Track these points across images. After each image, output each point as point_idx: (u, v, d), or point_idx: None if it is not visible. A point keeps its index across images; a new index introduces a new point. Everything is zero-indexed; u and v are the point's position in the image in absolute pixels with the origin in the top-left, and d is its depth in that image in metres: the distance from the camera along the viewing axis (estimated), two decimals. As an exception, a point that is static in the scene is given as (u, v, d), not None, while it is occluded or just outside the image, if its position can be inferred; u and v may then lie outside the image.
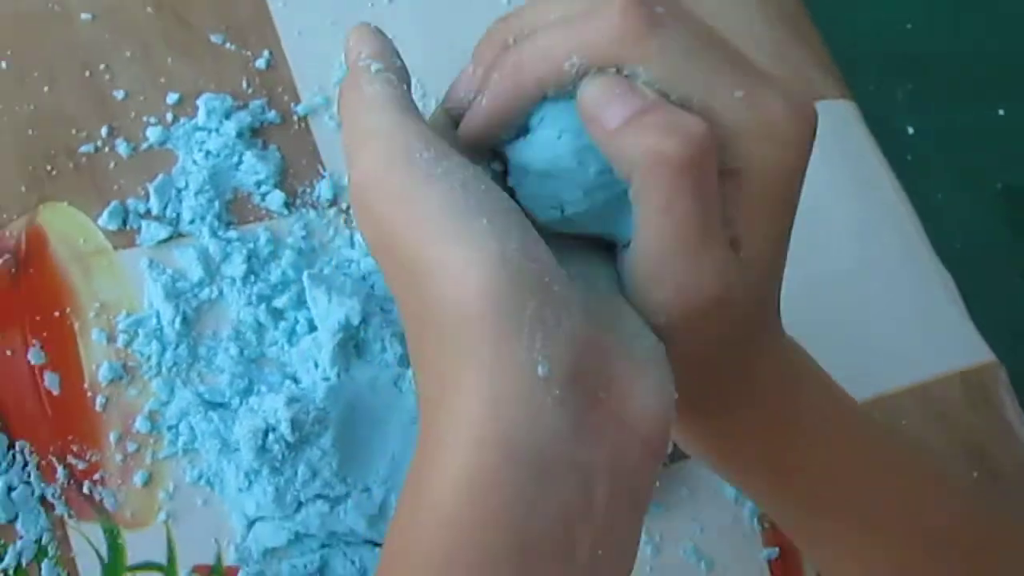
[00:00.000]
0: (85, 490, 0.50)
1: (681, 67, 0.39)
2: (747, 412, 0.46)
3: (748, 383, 0.45)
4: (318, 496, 0.50)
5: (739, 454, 0.47)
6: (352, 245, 0.56)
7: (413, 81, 0.60)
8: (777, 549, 0.55)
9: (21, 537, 0.49)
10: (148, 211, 0.55)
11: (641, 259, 0.40)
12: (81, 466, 0.50)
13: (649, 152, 0.38)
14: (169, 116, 0.57)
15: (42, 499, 0.50)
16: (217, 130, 0.57)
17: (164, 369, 0.52)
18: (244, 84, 0.59)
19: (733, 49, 0.40)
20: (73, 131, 0.56)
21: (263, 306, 0.54)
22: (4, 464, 0.49)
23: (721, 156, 0.39)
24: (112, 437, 0.51)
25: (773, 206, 0.41)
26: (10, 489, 0.49)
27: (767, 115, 0.40)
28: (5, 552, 0.48)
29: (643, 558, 0.54)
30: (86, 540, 0.50)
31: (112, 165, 0.56)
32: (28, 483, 0.50)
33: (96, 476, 0.50)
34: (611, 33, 0.39)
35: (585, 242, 0.42)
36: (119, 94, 0.57)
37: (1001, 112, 0.67)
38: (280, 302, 0.54)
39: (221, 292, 0.54)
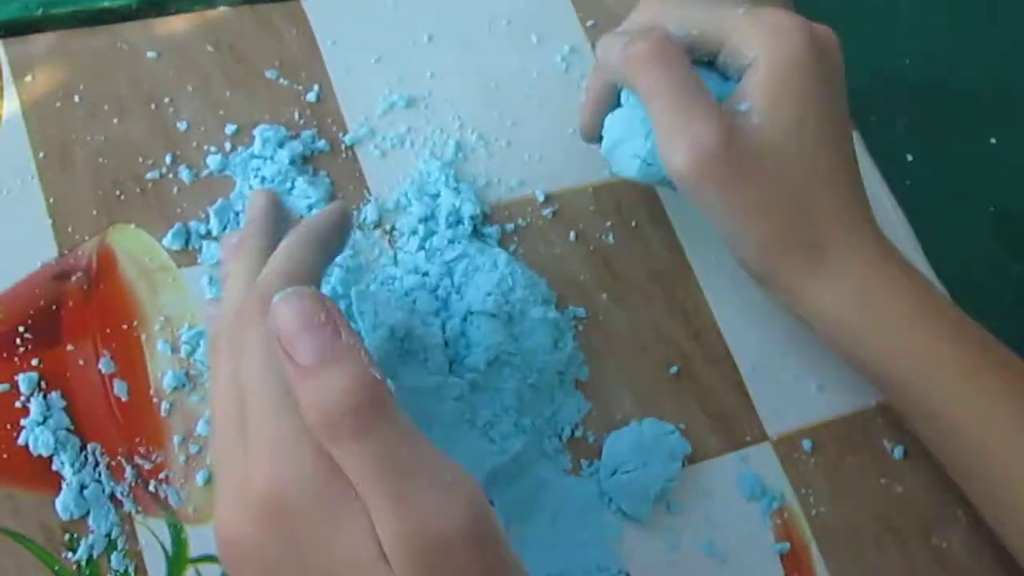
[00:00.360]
0: (151, 488, 0.50)
1: (697, 15, 0.53)
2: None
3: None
4: (366, 494, 0.50)
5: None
6: (395, 264, 0.57)
7: (452, 114, 0.61)
8: (788, 544, 0.55)
9: (92, 531, 0.49)
10: (208, 232, 0.56)
11: (658, 139, 0.52)
12: (147, 466, 0.51)
13: (623, 57, 0.52)
14: (227, 145, 0.58)
15: (112, 496, 0.50)
16: (272, 158, 0.57)
17: (223, 377, 0.53)
18: (296, 116, 0.59)
19: None
20: (140, 159, 0.57)
21: (314, 319, 0.54)
22: (77, 464, 0.50)
23: (742, 54, 0.52)
24: (176, 440, 0.51)
25: (776, 80, 0.51)
26: (83, 487, 0.50)
27: (763, 18, 0.52)
28: (78, 545, 0.49)
29: (661, 554, 0.54)
30: (152, 534, 0.50)
31: (176, 190, 0.56)
32: (99, 482, 0.50)
33: (161, 475, 0.51)
34: (639, 18, 0.54)
35: None
36: (182, 125, 0.58)
37: (993, 141, 0.68)
38: (330, 316, 0.54)
39: (275, 306, 0.54)
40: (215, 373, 0.42)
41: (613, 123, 0.55)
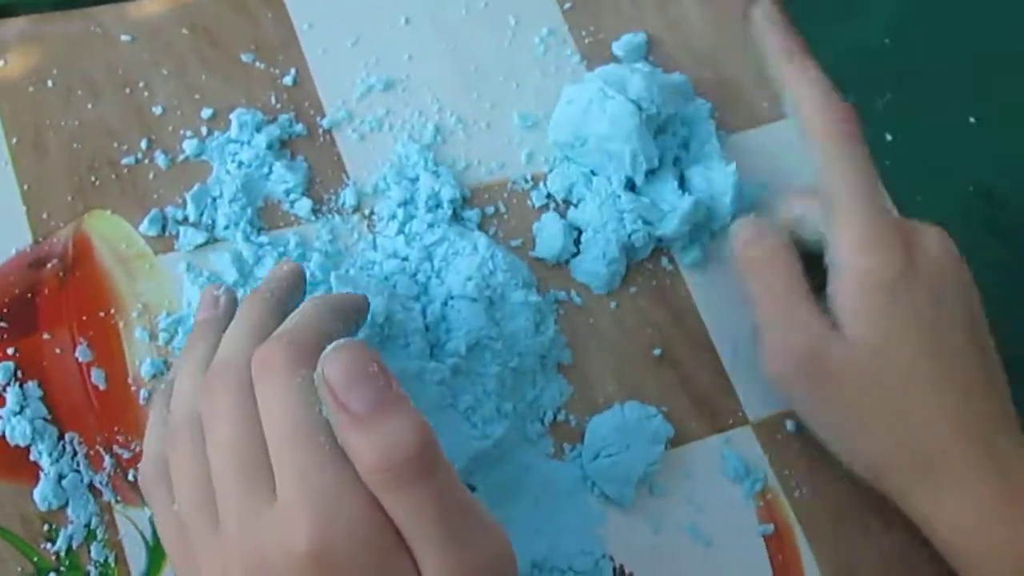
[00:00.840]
0: (130, 477, 0.50)
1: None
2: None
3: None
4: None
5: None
6: (375, 248, 0.56)
7: (431, 97, 0.60)
8: (771, 526, 0.55)
9: (72, 522, 0.49)
10: (185, 218, 0.55)
11: (757, 339, 0.54)
12: (126, 455, 0.50)
13: (739, 259, 0.55)
14: (204, 130, 0.57)
15: (91, 486, 0.49)
16: (249, 142, 0.57)
17: (202, 364, 0.52)
18: (273, 100, 0.59)
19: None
20: (115, 144, 0.56)
21: (293, 305, 0.53)
22: (55, 454, 0.49)
23: (834, 255, 0.52)
24: (155, 428, 0.51)
25: (857, 294, 0.51)
26: (61, 477, 0.49)
27: (863, 230, 0.51)
28: (57, 535, 0.48)
29: (645, 537, 0.54)
30: (132, 524, 0.49)
31: (152, 176, 0.56)
32: (77, 471, 0.49)
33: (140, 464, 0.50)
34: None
35: None
36: (157, 109, 0.57)
37: (972, 120, 0.68)
38: (309, 302, 0.53)
39: (254, 292, 0.54)
40: (214, 420, 0.41)
41: None
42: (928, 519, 0.52)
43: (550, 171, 0.60)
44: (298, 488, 0.37)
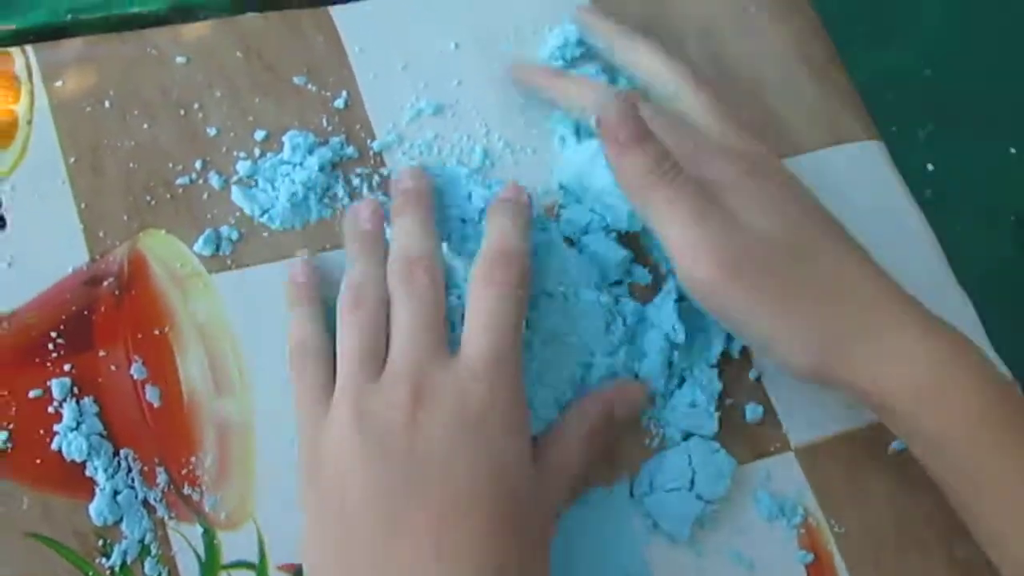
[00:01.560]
0: (184, 494, 0.51)
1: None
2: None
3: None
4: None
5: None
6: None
7: (479, 122, 0.61)
8: (812, 554, 0.56)
9: (126, 537, 0.49)
10: (240, 237, 0.56)
11: (674, 255, 0.52)
12: (180, 472, 0.51)
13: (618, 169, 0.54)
14: (257, 151, 0.58)
15: (145, 502, 0.50)
16: (301, 164, 0.58)
17: (255, 383, 0.53)
18: (324, 122, 0.60)
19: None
20: (170, 165, 0.57)
21: (346, 323, 0.54)
22: (111, 470, 0.50)
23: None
24: (208, 445, 0.52)
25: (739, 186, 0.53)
26: (116, 493, 0.50)
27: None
28: (112, 551, 0.49)
29: (689, 560, 0.54)
30: (185, 540, 0.50)
31: (206, 196, 0.57)
32: (132, 488, 0.50)
33: (193, 481, 0.51)
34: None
35: None
36: (211, 131, 0.58)
37: (1013, 151, 0.68)
38: (362, 318, 0.54)
39: (307, 311, 0.54)
40: (416, 290, 0.51)
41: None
42: (875, 382, 0.51)
43: (561, 208, 0.60)
44: (484, 348, 0.49)
